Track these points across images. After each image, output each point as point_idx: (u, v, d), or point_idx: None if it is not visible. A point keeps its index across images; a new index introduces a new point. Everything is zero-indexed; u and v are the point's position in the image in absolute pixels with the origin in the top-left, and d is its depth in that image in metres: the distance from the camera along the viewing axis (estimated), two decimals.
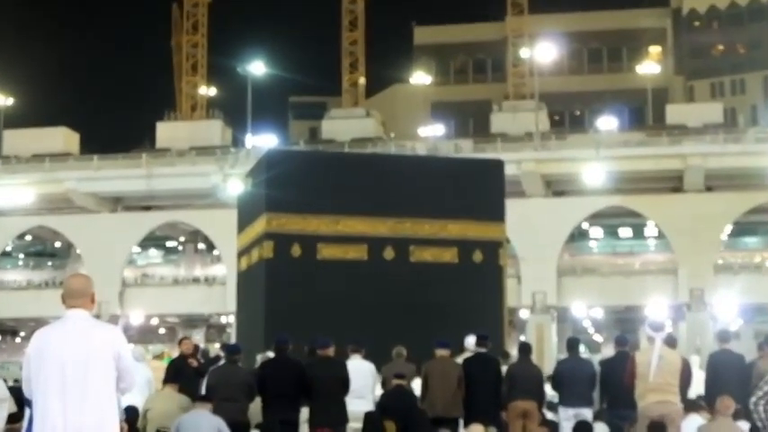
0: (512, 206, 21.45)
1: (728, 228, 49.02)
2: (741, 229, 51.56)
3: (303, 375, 11.89)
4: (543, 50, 58.33)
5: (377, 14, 72.91)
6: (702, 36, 74.49)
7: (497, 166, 20.09)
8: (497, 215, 19.00)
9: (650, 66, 66.50)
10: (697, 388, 12.87)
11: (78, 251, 53.51)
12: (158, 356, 20.80)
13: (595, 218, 50.63)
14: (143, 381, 13.25)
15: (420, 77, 74.90)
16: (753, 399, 9.55)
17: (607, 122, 58.43)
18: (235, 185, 39.94)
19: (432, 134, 62.15)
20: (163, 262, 59.52)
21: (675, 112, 59.75)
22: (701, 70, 73.65)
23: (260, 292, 17.97)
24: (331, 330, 13.19)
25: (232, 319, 40.16)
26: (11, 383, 9.88)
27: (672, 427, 10.30)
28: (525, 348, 13.56)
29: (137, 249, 55.60)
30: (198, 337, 50.83)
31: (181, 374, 13.28)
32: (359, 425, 11.89)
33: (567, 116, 74.12)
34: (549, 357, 41.28)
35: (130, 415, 10.69)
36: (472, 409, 12.54)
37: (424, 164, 22.53)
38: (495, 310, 18.29)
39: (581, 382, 13.01)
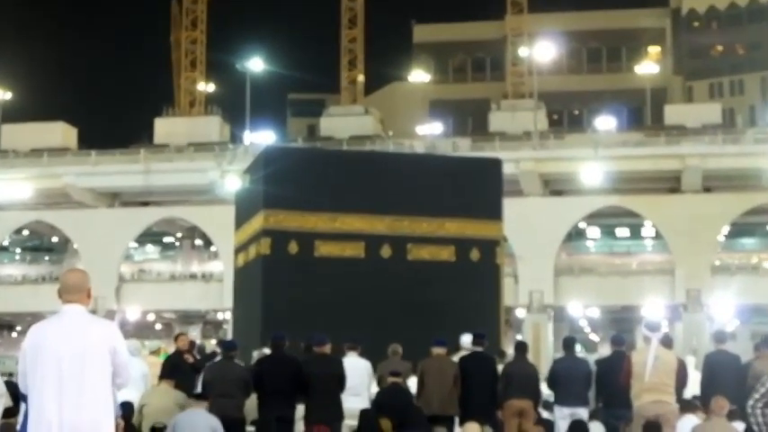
0: (509, 205, 21.47)
1: (726, 229, 49.06)
2: (738, 230, 51.59)
3: (299, 372, 11.90)
4: (542, 50, 58.32)
5: (376, 12, 73.01)
6: (701, 36, 74.51)
7: (495, 164, 20.11)
8: (495, 214, 19.02)
9: (649, 66, 66.56)
10: (693, 388, 12.88)
11: (75, 246, 53.46)
12: (155, 352, 20.76)
13: (593, 217, 50.65)
14: (138, 376, 13.25)
15: (419, 75, 74.91)
16: (750, 402, 9.55)
17: (605, 122, 58.43)
18: (232, 182, 39.93)
19: (430, 132, 62.11)
20: (160, 258, 59.45)
21: (674, 113, 59.75)
22: (699, 71, 73.67)
23: (257, 289, 17.98)
24: (327, 327, 13.20)
25: (229, 315, 40.17)
26: (5, 378, 9.89)
27: (667, 427, 10.31)
28: (521, 347, 13.57)
29: (134, 245, 55.57)
30: (194, 334, 50.81)
31: (177, 370, 13.28)
32: (354, 422, 11.89)
33: (566, 116, 74.12)
34: (545, 356, 41.31)
35: (126, 411, 10.68)
36: (468, 407, 12.55)
37: (422, 162, 22.53)
38: (492, 308, 18.31)
39: (577, 382, 13.02)
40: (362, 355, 13.56)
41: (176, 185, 50.44)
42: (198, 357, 15.12)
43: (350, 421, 12.17)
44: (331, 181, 17.93)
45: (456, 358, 13.38)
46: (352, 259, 17.87)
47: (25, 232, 57.65)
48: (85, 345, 5.88)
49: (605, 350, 33.71)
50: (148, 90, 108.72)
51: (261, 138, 54.60)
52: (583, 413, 12.85)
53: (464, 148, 51.17)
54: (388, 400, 12.30)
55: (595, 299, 49.09)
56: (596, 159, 46.53)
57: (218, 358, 13.51)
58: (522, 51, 66.99)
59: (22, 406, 8.32)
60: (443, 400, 12.66)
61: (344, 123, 61.52)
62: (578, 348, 19.80)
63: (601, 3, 73.12)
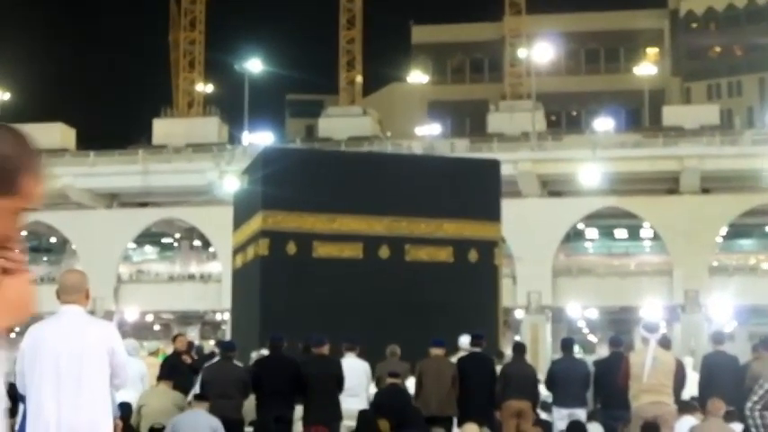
0: (507, 206, 21.48)
1: (724, 230, 49.09)
2: (736, 231, 51.60)
3: (298, 373, 11.91)
4: (540, 51, 58.30)
5: (375, 13, 72.88)
6: (699, 38, 74.53)
7: (493, 165, 20.14)
8: (493, 215, 19.04)
9: (647, 67, 66.58)
10: (691, 389, 12.90)
11: (73, 247, 53.43)
12: (154, 353, 20.70)
13: (591, 218, 50.66)
14: (136, 376, 13.24)
15: (417, 76, 74.92)
16: (748, 404, 9.54)
17: (604, 123, 58.46)
18: (231, 183, 39.93)
19: (428, 133, 62.14)
20: (158, 258, 59.43)
21: (672, 114, 59.76)
22: (697, 72, 73.70)
23: (255, 290, 17.99)
24: (326, 328, 13.22)
25: (227, 316, 40.13)
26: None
27: (665, 428, 10.32)
28: (520, 348, 13.60)
29: (132, 246, 55.53)
30: (193, 334, 50.75)
31: (175, 371, 13.28)
32: (353, 423, 11.90)
33: (564, 117, 74.13)
34: (543, 357, 41.31)
35: (124, 412, 10.69)
36: (466, 408, 12.56)
37: (420, 163, 22.55)
38: (490, 309, 18.33)
39: (575, 383, 13.03)
40: (361, 355, 13.57)
41: (175, 186, 50.41)
42: (196, 358, 15.12)
43: (348, 422, 12.18)
44: (329, 182, 17.94)
45: (454, 359, 13.39)
46: (350, 260, 17.88)
47: (23, 233, 57.54)
48: (83, 345, 5.88)
49: (603, 351, 33.68)
50: (147, 91, 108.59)
51: (259, 138, 54.60)
52: (581, 414, 12.87)
53: (462, 148, 51.18)
54: (387, 401, 12.31)
55: (594, 300, 49.10)
56: (594, 160, 46.55)
57: (216, 359, 13.51)
58: (521, 52, 67.03)
59: (21, 406, 8.31)
60: (442, 401, 12.67)
61: (343, 124, 61.51)
62: (576, 349, 19.80)
63: (599, 4, 73.19)
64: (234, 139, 58.45)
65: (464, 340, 13.98)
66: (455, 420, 12.70)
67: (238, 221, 20.34)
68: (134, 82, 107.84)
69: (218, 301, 46.51)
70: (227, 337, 29.98)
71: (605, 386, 12.42)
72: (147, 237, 56.15)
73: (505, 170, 23.33)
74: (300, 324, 14.75)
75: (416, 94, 74.33)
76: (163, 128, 60.93)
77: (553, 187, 50.35)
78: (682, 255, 46.24)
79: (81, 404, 5.80)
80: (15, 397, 8.00)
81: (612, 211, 48.99)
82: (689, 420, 10.92)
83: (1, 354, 1.99)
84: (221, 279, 46.19)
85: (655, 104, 63.38)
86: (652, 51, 74.49)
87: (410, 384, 13.18)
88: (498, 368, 13.27)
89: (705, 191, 48.41)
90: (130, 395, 11.94)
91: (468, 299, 17.76)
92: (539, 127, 55.09)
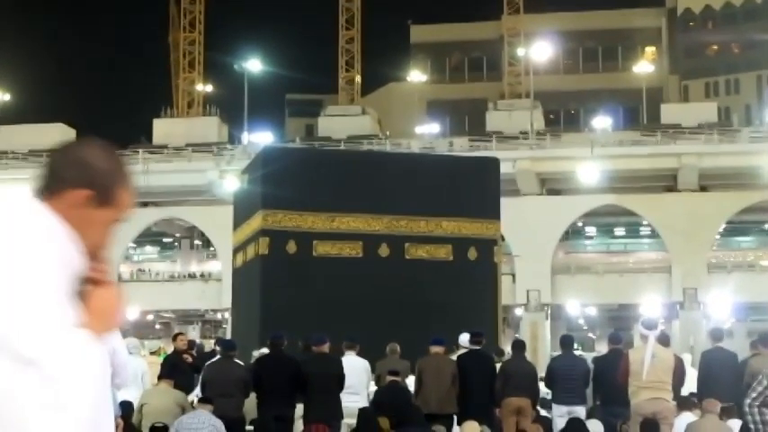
0: (507, 204, 21.52)
1: (722, 227, 49.17)
2: (734, 228, 51.71)
3: (298, 371, 11.95)
4: (539, 49, 58.33)
5: (373, 12, 72.90)
6: (697, 36, 74.57)
7: (492, 164, 20.19)
8: (492, 213, 19.08)
9: (645, 65, 66.54)
10: (690, 386, 12.95)
11: None
12: (155, 352, 20.79)
13: (590, 216, 50.72)
14: (137, 374, 13.29)
15: (416, 75, 74.85)
16: (747, 401, 9.59)
17: (602, 121, 58.47)
18: (231, 182, 39.97)
19: (427, 132, 62.14)
20: (159, 258, 59.51)
21: (670, 112, 59.78)
22: (695, 70, 73.71)
23: (255, 289, 18.03)
24: (326, 327, 13.26)
25: (228, 315, 40.17)
26: None
27: (664, 425, 10.37)
28: (519, 345, 13.65)
29: (133, 245, 55.59)
30: (193, 333, 50.81)
31: (176, 370, 13.33)
32: (353, 421, 11.94)
33: (563, 115, 74.13)
34: (543, 355, 41.35)
35: (126, 411, 10.74)
36: (466, 405, 12.61)
37: (419, 162, 22.58)
38: (490, 307, 18.37)
39: (574, 380, 13.09)
40: (361, 354, 13.61)
41: (175, 186, 50.43)
42: (196, 357, 15.17)
43: (348, 420, 12.23)
44: (329, 181, 17.98)
45: (454, 357, 13.44)
46: (349, 259, 17.93)
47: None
48: None
49: (603, 348, 33.75)
50: (147, 91, 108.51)
51: (259, 138, 54.61)
52: (580, 411, 12.92)
53: (461, 147, 51.23)
54: (387, 399, 12.35)
55: (593, 297, 49.17)
56: (593, 158, 46.59)
57: (216, 357, 13.56)
58: (519, 51, 67.04)
59: None
60: (442, 399, 12.72)
61: (342, 123, 61.54)
62: (576, 346, 19.85)
63: (597, 3, 73.20)
64: (234, 139, 58.49)
65: (464, 338, 14.03)
66: (455, 418, 12.75)
67: (238, 221, 20.39)
68: (134, 82, 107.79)
69: (219, 300, 46.57)
70: (228, 335, 30.02)
71: (604, 383, 12.47)
72: (148, 236, 56.18)
73: (504, 168, 23.38)
74: (301, 322, 14.79)
75: (415, 93, 74.23)
76: (163, 128, 60.93)
77: (552, 185, 50.41)
78: (680, 252, 46.32)
79: None
80: None
81: (611, 208, 49.05)
82: (688, 417, 10.96)
83: (105, 356, 2.10)
84: (221, 278, 46.24)
85: (653, 102, 63.34)
86: (650, 50, 74.47)
87: (410, 382, 13.22)
88: (498, 366, 13.32)
89: (703, 188, 48.47)
90: (132, 394, 11.99)
91: (468, 297, 17.81)
92: (537, 125, 55.15)
